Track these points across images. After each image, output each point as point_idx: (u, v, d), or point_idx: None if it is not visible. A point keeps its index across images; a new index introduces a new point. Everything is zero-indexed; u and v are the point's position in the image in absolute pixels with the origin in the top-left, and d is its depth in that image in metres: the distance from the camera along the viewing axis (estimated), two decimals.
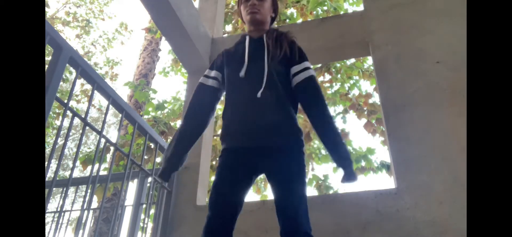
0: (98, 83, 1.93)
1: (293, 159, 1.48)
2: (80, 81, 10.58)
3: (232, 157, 1.52)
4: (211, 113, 1.68)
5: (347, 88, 8.23)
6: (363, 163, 7.24)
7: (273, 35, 1.68)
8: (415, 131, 2.28)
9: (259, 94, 1.49)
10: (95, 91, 1.96)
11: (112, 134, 16.70)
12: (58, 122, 9.99)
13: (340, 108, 8.41)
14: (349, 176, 1.45)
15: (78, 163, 6.56)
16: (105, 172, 5.03)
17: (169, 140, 7.11)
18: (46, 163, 1.31)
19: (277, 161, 1.47)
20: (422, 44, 2.57)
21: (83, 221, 1.93)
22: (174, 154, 1.57)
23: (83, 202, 1.96)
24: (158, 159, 3.65)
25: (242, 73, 1.57)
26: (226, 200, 1.45)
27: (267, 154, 1.48)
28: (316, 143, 8.08)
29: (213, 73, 1.70)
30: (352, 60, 7.50)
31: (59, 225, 1.85)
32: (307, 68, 1.59)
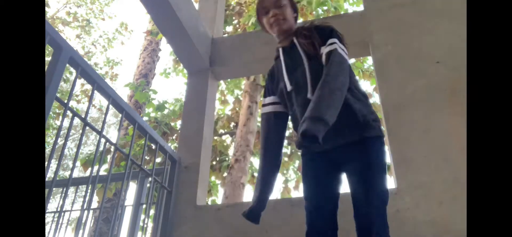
0: (98, 83, 1.93)
1: (364, 152, 1.39)
2: (80, 81, 10.58)
3: (312, 164, 1.53)
4: (282, 138, 1.64)
5: None
6: None
7: (302, 33, 1.61)
8: (415, 131, 2.28)
9: (309, 95, 1.43)
10: (95, 91, 1.96)
11: (112, 134, 16.71)
12: (58, 122, 9.99)
13: None
14: (302, 137, 1.26)
15: (78, 163, 6.57)
16: (105, 173, 5.03)
17: (169, 141, 7.12)
18: (46, 163, 1.31)
19: (349, 157, 1.42)
20: (422, 44, 2.57)
21: (83, 221, 1.93)
22: (261, 193, 1.55)
23: (83, 202, 1.96)
24: (158, 159, 3.64)
25: (288, 87, 1.53)
26: (323, 196, 1.47)
27: (341, 151, 1.45)
28: None
29: (267, 100, 1.68)
30: (352, 60, 7.50)
31: (59, 225, 1.85)
32: (331, 43, 1.49)
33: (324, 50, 1.49)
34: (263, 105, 1.68)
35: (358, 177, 1.41)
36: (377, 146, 1.41)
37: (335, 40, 1.51)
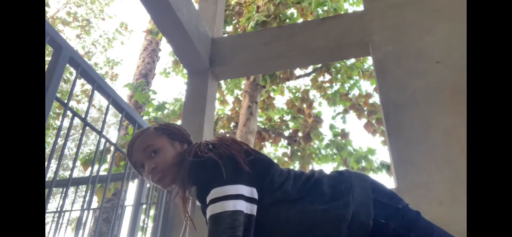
0: (98, 83, 1.93)
1: None
2: (80, 81, 10.58)
3: None
4: None
5: (347, 88, 8.22)
6: (363, 164, 7.23)
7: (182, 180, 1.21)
8: (415, 131, 2.28)
9: None
10: (95, 91, 1.96)
11: (112, 134, 16.70)
12: (58, 122, 9.99)
13: (340, 108, 8.42)
14: None
15: (78, 163, 6.57)
16: (105, 173, 5.03)
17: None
18: (46, 163, 1.31)
19: None
20: (422, 44, 2.57)
21: (83, 221, 1.93)
22: None
23: (83, 202, 1.96)
24: None
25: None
26: None
27: None
28: (317, 143, 8.07)
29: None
30: (352, 60, 7.50)
31: (59, 225, 1.85)
32: (208, 204, 1.09)
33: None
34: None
35: None
36: None
37: (211, 195, 1.08)
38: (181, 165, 1.21)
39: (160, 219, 2.41)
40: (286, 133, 8.40)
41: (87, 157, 5.66)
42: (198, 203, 1.26)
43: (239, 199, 1.07)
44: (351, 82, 8.12)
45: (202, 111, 2.89)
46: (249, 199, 1.09)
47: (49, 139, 10.06)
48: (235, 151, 1.16)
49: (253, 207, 1.09)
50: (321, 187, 1.15)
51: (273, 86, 7.71)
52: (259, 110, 7.92)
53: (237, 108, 8.52)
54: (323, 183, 1.17)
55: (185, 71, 7.70)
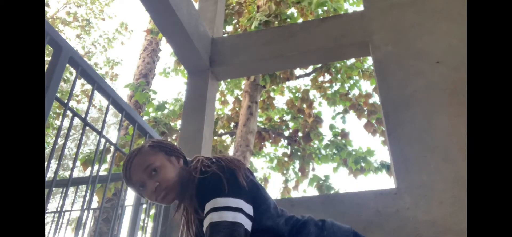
0: (98, 83, 1.93)
1: None
2: (80, 81, 10.58)
3: None
4: None
5: (347, 88, 8.22)
6: (363, 164, 7.24)
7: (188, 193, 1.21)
8: (415, 131, 2.28)
9: None
10: (95, 91, 1.96)
11: (112, 134, 16.71)
12: (58, 122, 9.99)
13: (340, 108, 8.42)
14: None
15: (78, 163, 6.57)
16: (105, 173, 5.03)
17: (169, 141, 7.11)
18: (46, 163, 1.31)
19: None
20: (422, 44, 2.57)
21: (83, 221, 1.93)
22: None
23: (83, 202, 1.96)
24: None
25: None
26: None
27: None
28: (316, 143, 8.08)
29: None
30: (352, 60, 7.50)
31: (59, 225, 1.85)
32: (207, 213, 1.10)
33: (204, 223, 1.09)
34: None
35: None
36: None
37: (210, 205, 1.09)
38: (186, 182, 1.22)
39: (160, 219, 2.41)
40: (286, 133, 8.40)
41: (87, 157, 5.66)
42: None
43: (239, 212, 1.08)
44: (351, 82, 8.12)
45: (202, 111, 2.89)
46: (248, 216, 1.11)
47: (49, 139, 10.06)
48: (235, 167, 1.17)
49: (250, 224, 1.11)
50: (308, 227, 1.20)
51: (273, 86, 7.71)
52: (259, 110, 7.92)
53: (237, 108, 8.52)
54: (310, 224, 1.22)
55: (185, 71, 7.70)
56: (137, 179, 1.23)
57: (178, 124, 7.53)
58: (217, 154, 7.69)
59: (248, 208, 1.12)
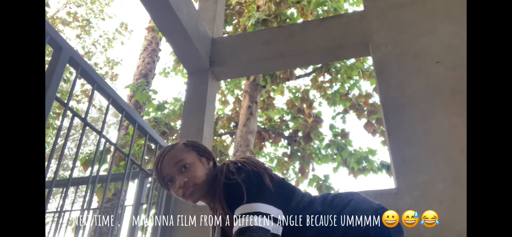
0: (98, 83, 1.93)
1: None
2: (80, 81, 10.58)
3: None
4: None
5: (347, 88, 8.22)
6: (364, 164, 7.23)
7: (216, 192, 1.24)
8: (415, 131, 2.28)
9: None
10: (95, 91, 1.96)
11: (112, 134, 16.71)
12: (58, 122, 9.99)
13: (340, 108, 8.42)
14: None
15: (78, 163, 6.57)
16: (105, 173, 5.03)
17: (169, 141, 7.12)
18: (46, 163, 1.31)
19: None
20: (422, 44, 2.57)
21: (83, 221, 1.93)
22: None
23: (83, 202, 1.96)
24: None
25: None
26: None
27: None
28: (317, 143, 8.08)
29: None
30: (352, 60, 7.50)
31: (59, 225, 1.85)
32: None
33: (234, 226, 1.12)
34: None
35: None
36: None
37: (241, 210, 1.12)
38: (213, 184, 1.26)
39: (160, 219, 2.41)
40: (286, 133, 8.41)
41: (87, 157, 5.67)
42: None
43: (267, 218, 1.11)
44: (351, 82, 8.13)
45: (202, 111, 2.89)
46: (275, 220, 1.14)
47: (49, 139, 10.06)
48: (262, 170, 1.21)
49: (279, 228, 1.14)
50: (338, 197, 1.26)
51: (273, 86, 7.72)
52: (259, 110, 7.92)
53: (237, 108, 8.52)
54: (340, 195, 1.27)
55: (185, 71, 7.70)
56: (167, 172, 1.27)
57: (178, 124, 7.53)
58: (217, 154, 7.70)
59: (276, 212, 1.15)
